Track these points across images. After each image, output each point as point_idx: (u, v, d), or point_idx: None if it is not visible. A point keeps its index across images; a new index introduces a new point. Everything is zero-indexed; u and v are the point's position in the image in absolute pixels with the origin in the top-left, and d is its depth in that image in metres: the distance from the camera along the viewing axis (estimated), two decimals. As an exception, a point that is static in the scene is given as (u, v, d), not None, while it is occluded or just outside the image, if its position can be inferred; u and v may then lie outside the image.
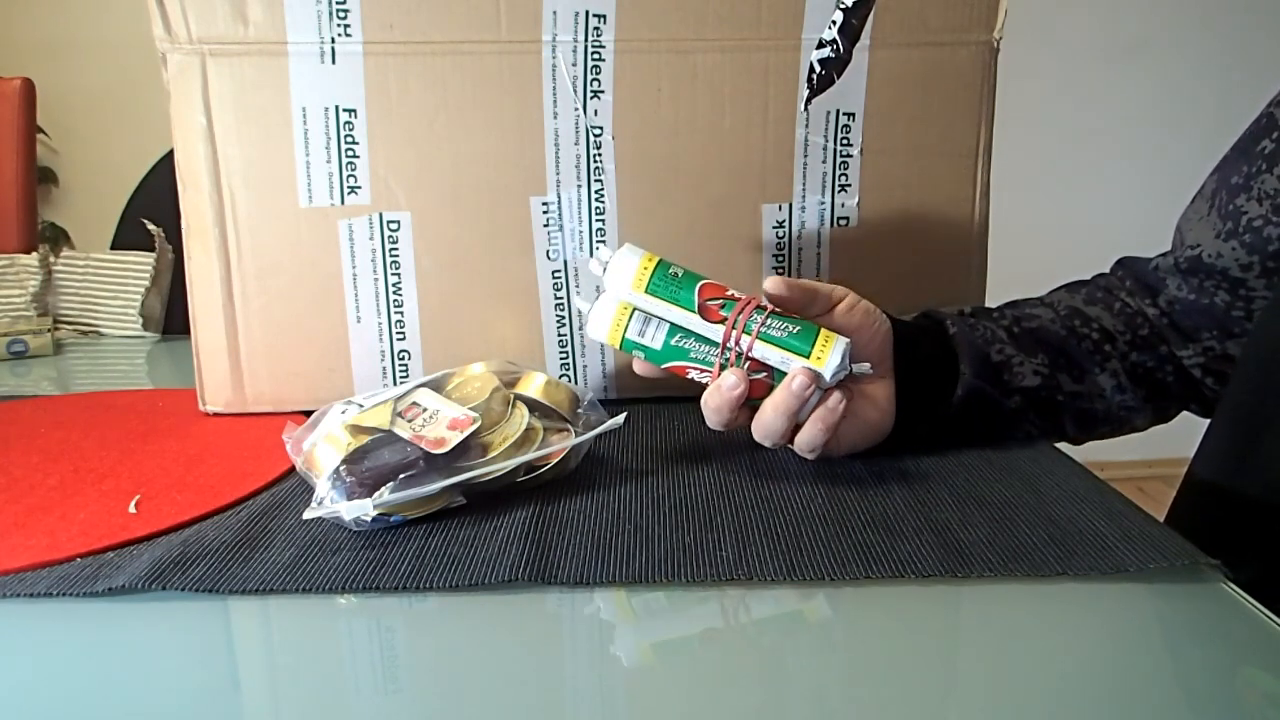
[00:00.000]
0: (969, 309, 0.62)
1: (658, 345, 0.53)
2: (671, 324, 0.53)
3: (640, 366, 0.54)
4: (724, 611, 0.40)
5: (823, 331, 0.51)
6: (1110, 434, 0.62)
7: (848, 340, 0.51)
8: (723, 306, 0.52)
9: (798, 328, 0.51)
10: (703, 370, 0.53)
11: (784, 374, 0.51)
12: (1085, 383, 0.59)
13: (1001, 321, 0.59)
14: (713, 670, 0.36)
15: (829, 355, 0.51)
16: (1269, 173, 0.56)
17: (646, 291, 0.52)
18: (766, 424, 0.51)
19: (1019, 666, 0.36)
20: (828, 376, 0.51)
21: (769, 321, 0.51)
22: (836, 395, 0.51)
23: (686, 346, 0.53)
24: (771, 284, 0.51)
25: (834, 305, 0.54)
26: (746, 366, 0.52)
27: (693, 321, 0.52)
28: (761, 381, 0.52)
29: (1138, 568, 0.41)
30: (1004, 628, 0.39)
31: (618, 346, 0.54)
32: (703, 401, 0.53)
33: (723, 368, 0.52)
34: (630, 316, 0.53)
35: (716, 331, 0.52)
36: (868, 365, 0.53)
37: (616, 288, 0.53)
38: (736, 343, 0.51)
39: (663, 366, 0.54)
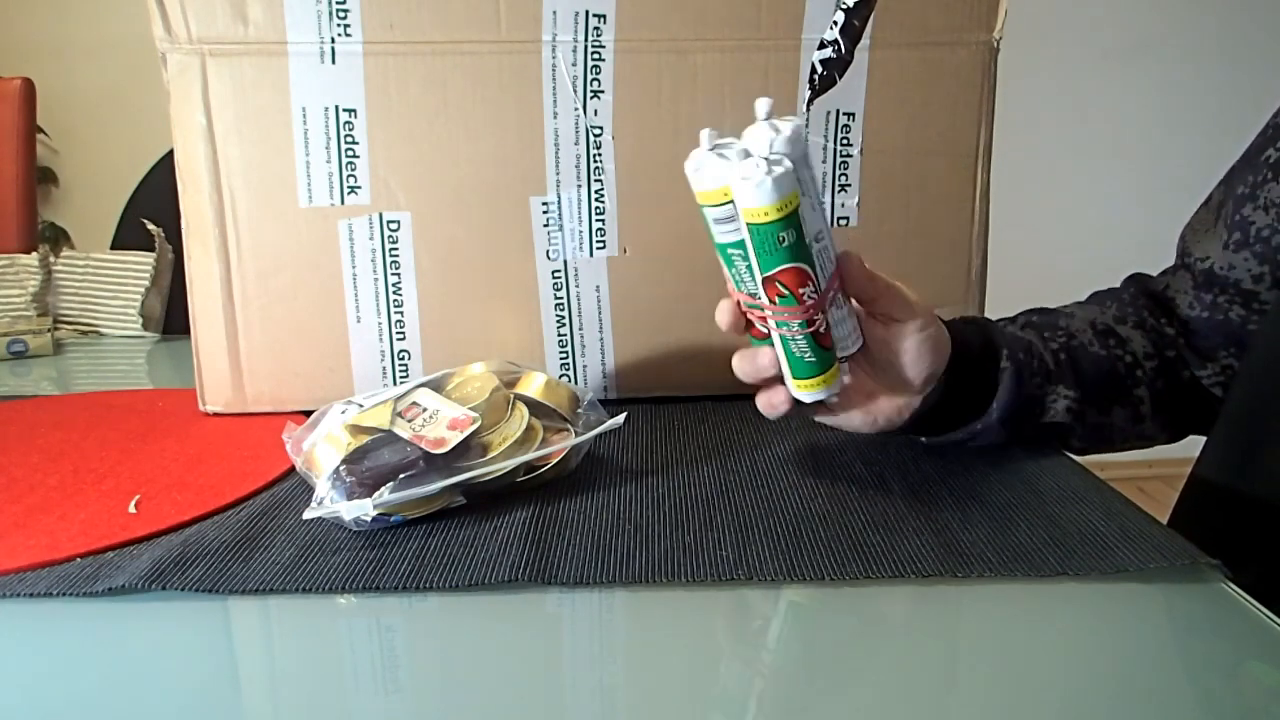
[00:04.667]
0: (1021, 319, 0.61)
1: (715, 239, 0.48)
2: (738, 240, 0.47)
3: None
4: (724, 611, 0.40)
5: (826, 375, 0.50)
6: (1116, 451, 0.62)
7: (840, 386, 0.51)
8: (782, 297, 0.47)
9: (815, 359, 0.49)
10: (729, 282, 0.49)
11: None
12: (1111, 414, 0.58)
13: (1050, 344, 0.58)
14: (713, 670, 0.36)
15: (807, 392, 0.50)
16: (1275, 181, 0.56)
17: (747, 223, 0.45)
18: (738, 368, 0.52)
19: (1019, 666, 0.36)
20: (791, 395, 0.51)
21: (799, 339, 0.48)
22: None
23: (735, 259, 0.47)
24: (854, 264, 0.48)
25: (906, 324, 0.51)
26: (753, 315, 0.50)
27: (752, 279, 0.47)
28: (757, 330, 0.50)
29: (1138, 568, 0.41)
30: (1004, 628, 0.39)
31: (778, 218, 0.45)
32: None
33: (743, 301, 0.49)
34: (722, 203, 0.46)
35: (757, 298, 0.48)
36: (836, 398, 0.53)
37: (737, 199, 0.46)
38: (761, 321, 0.49)
39: (776, 270, 0.47)
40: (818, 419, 0.56)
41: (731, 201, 0.46)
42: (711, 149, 0.46)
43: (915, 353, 0.51)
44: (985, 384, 0.55)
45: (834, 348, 0.50)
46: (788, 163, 0.45)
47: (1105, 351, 0.59)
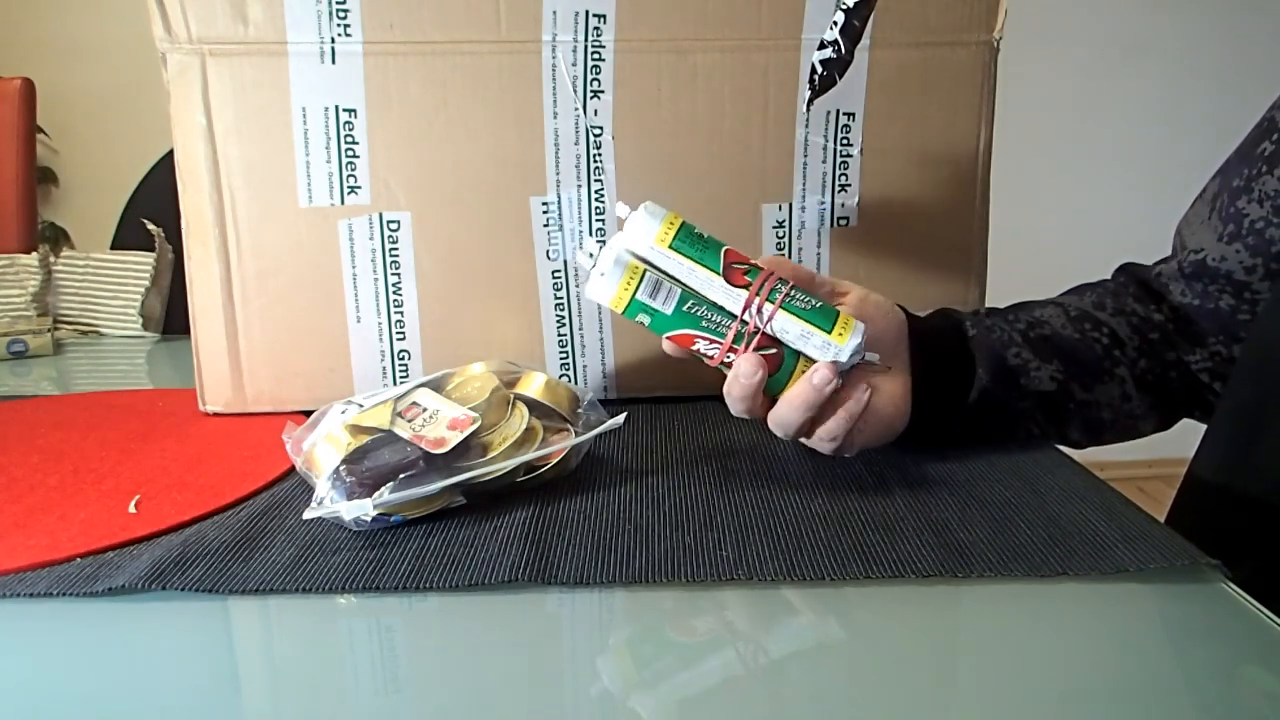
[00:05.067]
0: (983, 310, 0.62)
1: (668, 310, 0.50)
2: (684, 290, 0.50)
3: (666, 345, 0.53)
4: (724, 611, 0.40)
5: (842, 313, 0.50)
6: (1114, 440, 0.62)
7: (865, 324, 0.50)
8: (747, 272, 0.50)
9: (819, 304, 0.50)
10: (712, 341, 0.50)
11: (794, 351, 0.50)
12: (1095, 391, 0.58)
13: (1016, 325, 0.59)
14: (712, 670, 0.36)
15: (849, 336, 0.49)
16: (1269, 174, 0.57)
17: (670, 247, 0.50)
18: (782, 418, 0.51)
19: (1019, 666, 0.36)
20: (845, 358, 0.49)
21: (793, 293, 0.50)
22: (862, 386, 0.50)
23: (698, 314, 0.50)
24: (767, 261, 0.50)
25: (837, 299, 0.53)
26: (755, 342, 0.50)
27: (713, 284, 0.50)
28: (771, 357, 0.50)
29: (1138, 568, 0.41)
30: (1004, 628, 0.39)
31: (622, 310, 0.51)
32: (725, 391, 0.51)
33: (737, 337, 0.50)
34: (641, 279, 0.50)
35: (736, 297, 0.49)
36: (877, 356, 0.52)
37: (633, 245, 0.51)
38: (758, 310, 0.49)
39: (668, 335, 0.51)
40: (826, 447, 0.54)
41: (645, 271, 0.50)
42: (591, 270, 0.51)
43: (866, 317, 0.52)
44: (962, 360, 0.56)
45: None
46: (622, 210, 0.52)
47: (1079, 335, 0.59)
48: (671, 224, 0.50)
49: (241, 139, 0.63)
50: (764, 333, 0.50)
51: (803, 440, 0.53)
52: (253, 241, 0.64)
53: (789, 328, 0.50)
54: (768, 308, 0.49)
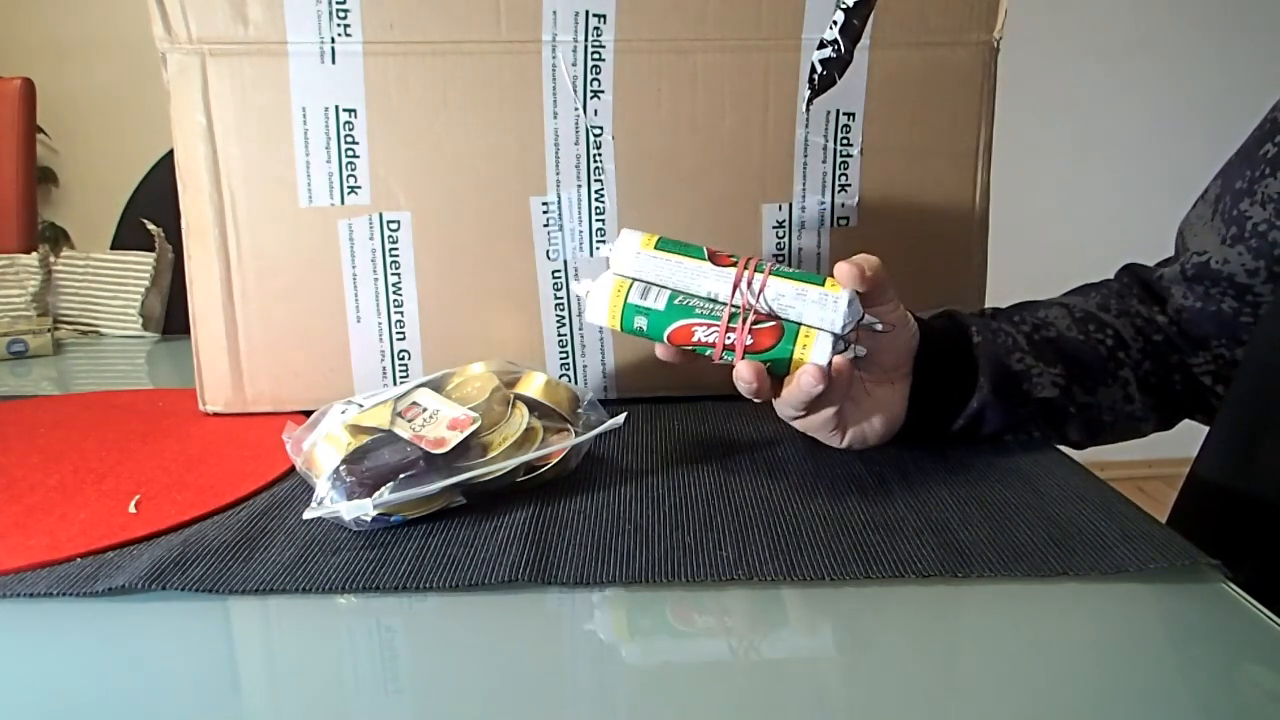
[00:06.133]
0: (989, 310, 0.62)
1: (661, 306, 0.52)
2: (673, 289, 0.52)
3: (662, 351, 0.53)
4: (724, 611, 0.40)
5: (828, 278, 0.50)
6: (1112, 440, 0.62)
7: (854, 289, 0.50)
8: (730, 256, 0.52)
9: (805, 269, 0.51)
10: (710, 326, 0.51)
11: (794, 324, 0.50)
12: (1097, 394, 0.58)
13: (1022, 327, 0.59)
14: (712, 670, 0.36)
15: (840, 291, 0.49)
16: (1272, 177, 0.56)
17: (655, 248, 0.52)
18: (780, 408, 0.53)
19: (1019, 666, 0.36)
20: (844, 307, 0.49)
21: (781, 267, 0.51)
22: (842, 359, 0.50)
23: (691, 304, 0.51)
24: (860, 263, 0.50)
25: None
26: (751, 319, 0.50)
27: (701, 270, 0.51)
28: (772, 329, 0.50)
29: (1138, 568, 0.41)
30: (1004, 628, 0.39)
31: (618, 320, 0.53)
32: (735, 378, 0.52)
33: (732, 316, 0.50)
34: (630, 287, 0.52)
35: (725, 277, 0.51)
36: (878, 321, 0.51)
37: (619, 266, 0.53)
38: (749, 284, 0.50)
39: (667, 333, 0.52)
40: (825, 434, 0.55)
41: (630, 282, 0.53)
42: (585, 297, 0.54)
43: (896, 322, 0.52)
44: (965, 366, 0.56)
45: None
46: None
47: (1084, 337, 0.59)
48: (652, 235, 0.53)
49: (241, 139, 0.63)
50: (757, 310, 0.50)
51: (797, 425, 0.54)
52: (253, 241, 0.64)
53: (784, 290, 0.50)
54: (758, 278, 0.50)
